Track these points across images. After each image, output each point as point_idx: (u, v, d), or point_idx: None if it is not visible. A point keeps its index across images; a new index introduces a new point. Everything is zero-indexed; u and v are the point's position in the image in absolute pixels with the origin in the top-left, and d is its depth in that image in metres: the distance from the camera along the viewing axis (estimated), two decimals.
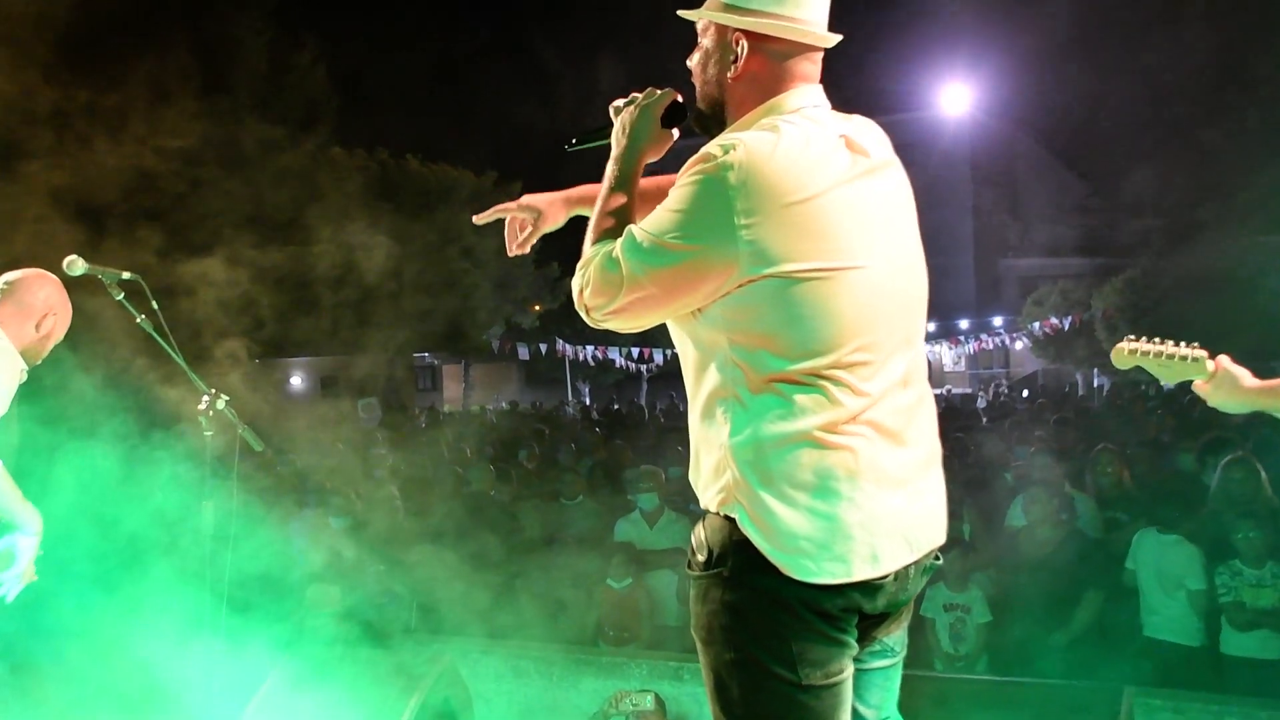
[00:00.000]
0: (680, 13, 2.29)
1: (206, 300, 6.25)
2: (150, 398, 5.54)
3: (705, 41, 2.29)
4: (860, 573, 2.07)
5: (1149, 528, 5.85)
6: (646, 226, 2.13)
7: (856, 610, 2.14)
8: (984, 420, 15.68)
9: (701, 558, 2.20)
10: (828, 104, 2.27)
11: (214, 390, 3.82)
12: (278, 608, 4.97)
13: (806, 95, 2.23)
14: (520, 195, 2.70)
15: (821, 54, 2.28)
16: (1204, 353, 2.80)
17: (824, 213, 2.07)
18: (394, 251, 21.85)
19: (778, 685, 2.10)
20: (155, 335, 3.73)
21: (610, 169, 2.34)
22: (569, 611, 6.69)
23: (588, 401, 30.13)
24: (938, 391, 30.98)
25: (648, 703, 5.07)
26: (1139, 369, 2.95)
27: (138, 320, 3.70)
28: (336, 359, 20.49)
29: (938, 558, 2.29)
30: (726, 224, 2.03)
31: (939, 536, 2.26)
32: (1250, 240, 18.30)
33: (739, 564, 2.12)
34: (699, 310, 2.15)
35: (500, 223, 2.71)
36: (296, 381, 23.22)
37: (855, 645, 2.18)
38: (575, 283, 2.22)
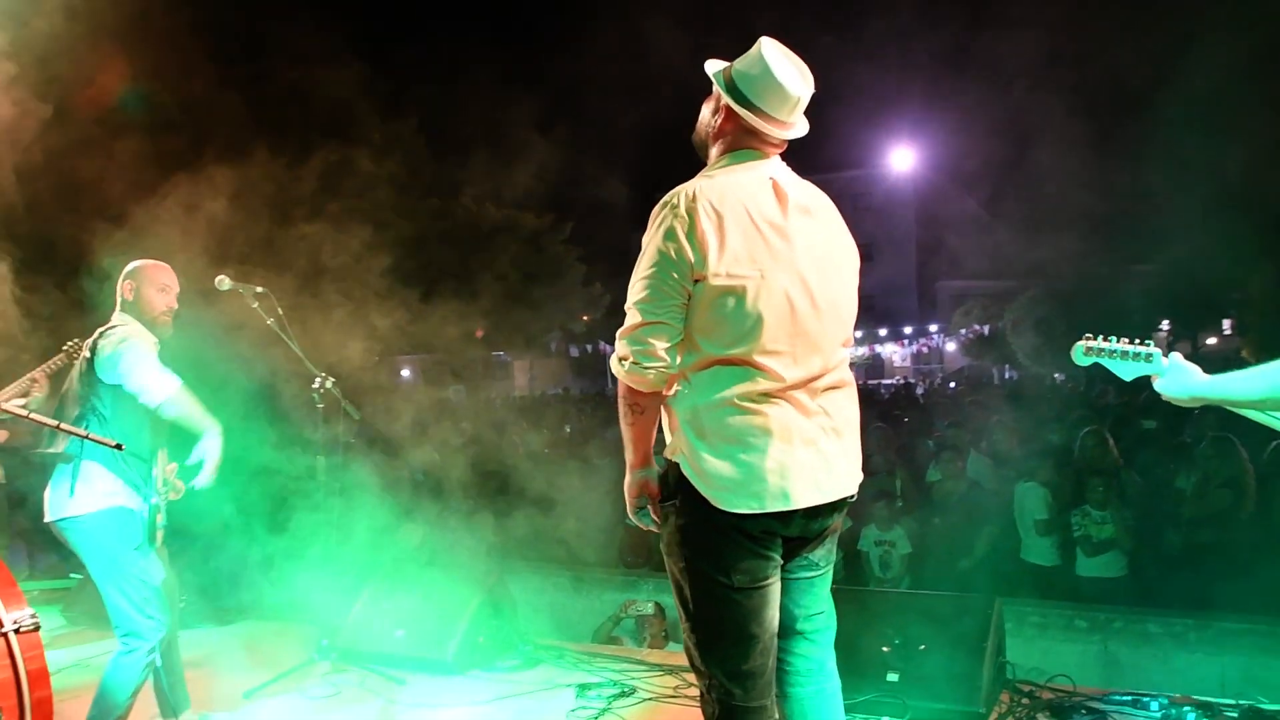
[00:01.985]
0: (707, 66, 2.32)
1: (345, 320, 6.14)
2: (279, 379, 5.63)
3: (712, 99, 2.33)
4: (772, 506, 2.09)
5: (1021, 481, 5.91)
6: (631, 282, 2.16)
7: (775, 534, 2.16)
8: (922, 402, 15.63)
9: (665, 492, 2.25)
10: (777, 162, 2.27)
11: (324, 374, 3.89)
12: (377, 537, 5.04)
13: (756, 155, 2.24)
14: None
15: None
16: (1158, 350, 2.34)
17: (744, 233, 2.10)
18: (477, 277, 22.04)
19: (716, 588, 2.14)
20: (281, 333, 3.80)
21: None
22: (598, 541, 6.75)
23: None
24: (889, 381, 30.85)
25: (649, 609, 5.13)
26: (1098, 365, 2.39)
27: (269, 322, 3.78)
28: (435, 356, 20.65)
29: (852, 498, 2.27)
30: (679, 243, 2.09)
31: (849, 487, 2.24)
32: (1120, 267, 18.33)
33: (685, 498, 2.16)
34: None
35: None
36: (406, 373, 23.42)
37: (779, 559, 2.20)
38: (617, 363, 2.17)
